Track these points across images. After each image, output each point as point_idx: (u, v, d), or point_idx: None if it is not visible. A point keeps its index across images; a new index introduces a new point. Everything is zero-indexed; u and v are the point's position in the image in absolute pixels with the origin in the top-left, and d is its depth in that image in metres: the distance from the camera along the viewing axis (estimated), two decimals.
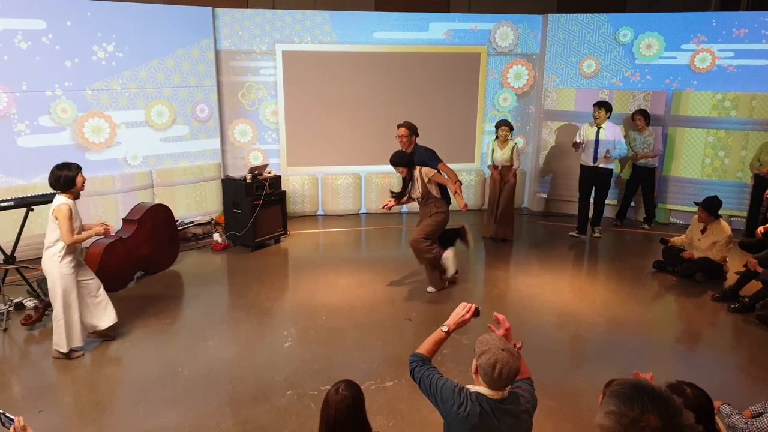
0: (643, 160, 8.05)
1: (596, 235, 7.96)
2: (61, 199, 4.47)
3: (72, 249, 4.53)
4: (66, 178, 4.46)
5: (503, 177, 7.67)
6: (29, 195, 6.05)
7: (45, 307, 5.32)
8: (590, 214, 8.04)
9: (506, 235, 7.78)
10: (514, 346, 2.49)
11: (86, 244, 5.45)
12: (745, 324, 5.44)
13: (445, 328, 2.58)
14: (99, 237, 6.27)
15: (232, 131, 8.54)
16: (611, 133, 7.53)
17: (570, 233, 8.06)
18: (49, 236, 4.50)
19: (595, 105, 7.63)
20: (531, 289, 6.26)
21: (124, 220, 6.45)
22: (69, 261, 4.52)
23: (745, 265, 5.79)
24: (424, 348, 2.58)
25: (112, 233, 5.11)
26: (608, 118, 7.57)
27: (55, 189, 4.53)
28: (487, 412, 2.27)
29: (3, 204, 5.59)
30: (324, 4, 10.00)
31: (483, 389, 2.31)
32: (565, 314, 5.63)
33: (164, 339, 5.08)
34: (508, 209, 7.71)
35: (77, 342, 4.69)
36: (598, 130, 7.54)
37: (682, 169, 8.37)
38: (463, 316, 2.56)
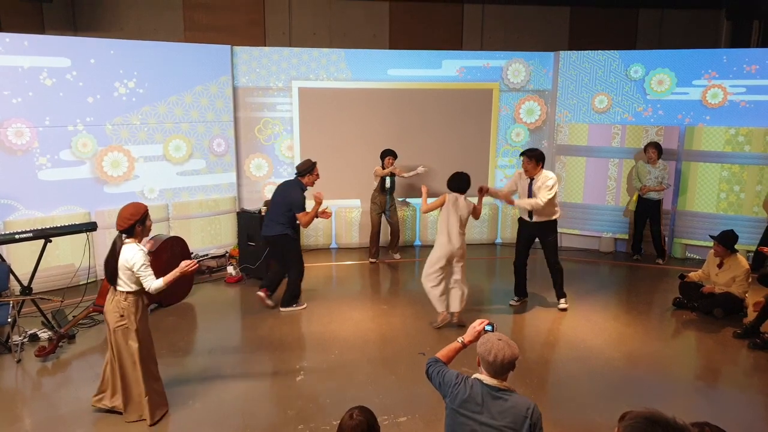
0: (653, 193, 8.02)
1: (561, 306, 6.52)
2: None
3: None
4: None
5: None
6: (48, 227, 6.14)
7: (59, 339, 5.34)
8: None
9: None
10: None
11: (101, 275, 5.44)
12: (766, 361, 5.31)
13: (460, 339, 2.99)
14: None
15: (248, 165, 8.66)
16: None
17: (509, 302, 6.71)
18: None
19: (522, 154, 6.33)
20: (546, 323, 6.18)
21: None
22: None
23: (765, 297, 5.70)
24: (441, 353, 2.97)
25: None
26: (541, 168, 6.20)
27: None
28: (476, 391, 2.65)
29: (22, 235, 5.68)
30: (339, 42, 10.26)
31: (482, 376, 2.68)
32: (581, 349, 5.54)
33: (176, 371, 5.05)
34: None
35: None
36: (531, 182, 6.24)
37: (697, 203, 8.32)
38: (476, 328, 2.95)
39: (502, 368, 2.63)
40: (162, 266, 6.34)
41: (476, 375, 2.73)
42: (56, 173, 6.99)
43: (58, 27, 9.57)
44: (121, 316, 4.04)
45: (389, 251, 8.52)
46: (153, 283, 3.98)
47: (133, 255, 3.97)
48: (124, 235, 4.06)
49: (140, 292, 4.11)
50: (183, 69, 7.77)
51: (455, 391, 2.71)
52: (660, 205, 8.15)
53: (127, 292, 4.05)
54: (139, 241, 4.09)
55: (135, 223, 4.04)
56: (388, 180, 8.13)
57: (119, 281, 4.04)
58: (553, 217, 6.37)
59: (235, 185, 8.53)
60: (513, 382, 2.79)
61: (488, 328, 2.94)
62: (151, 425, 4.14)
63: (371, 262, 8.31)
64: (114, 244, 4.07)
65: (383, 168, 8.03)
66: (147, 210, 4.14)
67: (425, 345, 5.56)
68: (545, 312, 6.49)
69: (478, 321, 3.01)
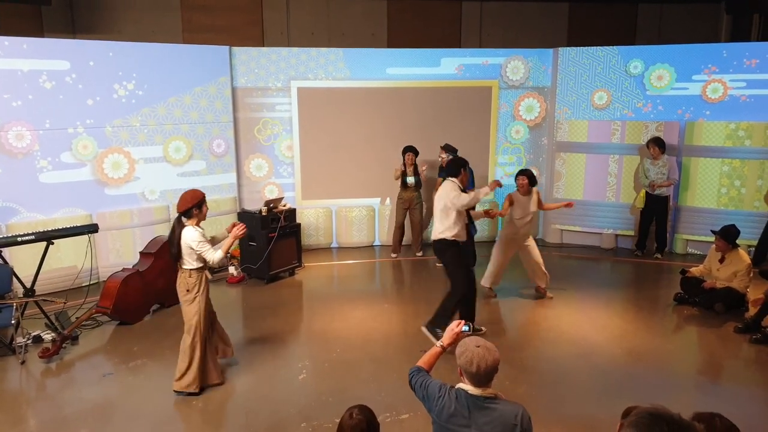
0: (658, 190, 8.02)
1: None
2: None
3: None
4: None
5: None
6: (49, 229, 6.15)
7: (62, 340, 5.36)
8: None
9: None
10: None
11: (103, 277, 5.48)
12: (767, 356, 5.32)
13: (439, 343, 2.93)
14: (117, 270, 6.37)
15: (248, 166, 8.67)
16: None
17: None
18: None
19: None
20: (548, 320, 6.18)
21: (141, 253, 6.53)
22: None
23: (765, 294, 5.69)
24: (422, 361, 2.93)
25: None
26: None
27: None
28: (462, 403, 2.57)
29: (24, 238, 5.69)
30: (338, 41, 10.27)
31: (466, 386, 2.59)
32: (583, 346, 5.55)
33: None
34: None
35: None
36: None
37: (698, 198, 8.31)
38: (454, 329, 2.89)
39: (486, 376, 2.54)
40: (163, 266, 6.38)
41: (460, 385, 2.64)
42: (57, 176, 7.00)
43: (56, 30, 9.59)
44: (188, 290, 4.57)
45: (412, 248, 8.62)
46: (214, 255, 4.47)
47: (190, 234, 4.47)
48: (183, 218, 4.54)
49: (203, 269, 4.59)
50: (182, 70, 7.78)
51: (440, 404, 2.63)
52: (667, 202, 8.15)
53: (191, 269, 4.54)
54: (197, 224, 4.55)
55: (192, 207, 4.51)
56: (410, 178, 8.19)
57: (184, 260, 4.53)
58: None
59: (236, 186, 8.54)
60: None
61: (465, 328, 2.97)
62: (175, 390, 4.59)
63: (393, 257, 8.43)
64: (173, 226, 4.60)
65: (403, 165, 8.18)
66: (204, 196, 4.60)
67: (427, 343, 5.56)
68: (546, 309, 6.49)
69: (454, 323, 2.95)
